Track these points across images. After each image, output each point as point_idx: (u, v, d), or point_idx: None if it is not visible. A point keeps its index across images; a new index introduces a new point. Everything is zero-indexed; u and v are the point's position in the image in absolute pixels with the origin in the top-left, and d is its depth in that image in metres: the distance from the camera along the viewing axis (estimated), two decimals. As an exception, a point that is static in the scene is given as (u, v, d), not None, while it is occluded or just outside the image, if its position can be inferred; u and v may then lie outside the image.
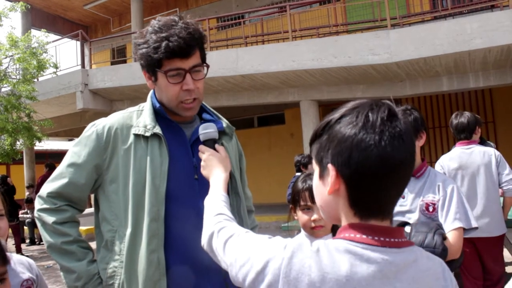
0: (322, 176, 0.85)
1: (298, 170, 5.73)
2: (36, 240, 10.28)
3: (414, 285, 0.79)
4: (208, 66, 1.50)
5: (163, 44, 1.38)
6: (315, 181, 0.89)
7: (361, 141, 0.77)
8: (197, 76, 1.47)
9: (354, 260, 0.76)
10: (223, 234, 0.97)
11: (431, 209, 2.08)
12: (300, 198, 1.63)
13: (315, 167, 0.89)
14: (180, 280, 1.44)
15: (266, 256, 0.80)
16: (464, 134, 3.40)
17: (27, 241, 10.35)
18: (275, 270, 0.77)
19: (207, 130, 1.42)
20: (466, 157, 3.36)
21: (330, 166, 0.81)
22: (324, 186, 0.85)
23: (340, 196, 0.82)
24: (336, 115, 0.83)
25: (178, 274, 1.44)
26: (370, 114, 0.79)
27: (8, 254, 1.56)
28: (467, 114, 3.43)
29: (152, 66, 1.43)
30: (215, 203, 1.14)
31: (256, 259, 0.81)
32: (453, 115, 3.48)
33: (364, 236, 0.79)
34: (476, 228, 2.09)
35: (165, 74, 1.42)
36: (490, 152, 3.35)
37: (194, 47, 1.43)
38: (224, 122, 1.63)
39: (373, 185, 0.78)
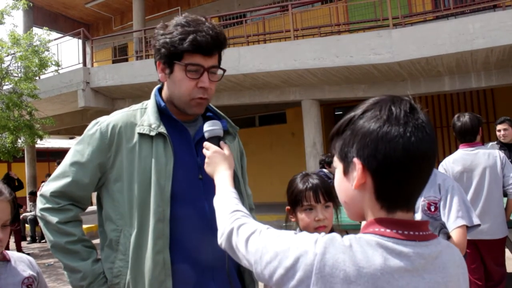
0: (346, 172, 0.86)
1: (322, 168, 6.26)
2: (37, 238, 10.29)
3: (440, 275, 0.81)
4: (224, 71, 1.49)
5: (191, 36, 1.37)
6: (338, 178, 0.89)
7: (387, 133, 0.79)
8: (213, 78, 1.46)
9: (386, 254, 0.77)
10: (243, 231, 0.95)
11: (433, 208, 2.07)
12: (303, 199, 1.60)
13: (337, 164, 0.89)
14: (185, 280, 1.43)
15: (297, 252, 0.80)
16: (469, 137, 3.35)
17: (28, 238, 10.36)
18: (307, 266, 0.77)
19: (212, 127, 1.40)
20: (471, 159, 3.32)
21: (356, 160, 0.82)
22: (348, 182, 0.86)
23: (366, 190, 0.83)
24: (358, 111, 0.85)
25: (183, 274, 1.43)
26: (393, 108, 0.81)
27: (8, 252, 1.57)
28: (468, 116, 3.33)
29: (172, 57, 1.42)
30: (228, 200, 1.11)
31: (285, 255, 0.81)
32: (455, 118, 3.40)
33: (394, 231, 0.80)
34: (479, 225, 2.08)
35: (184, 67, 1.41)
36: (495, 154, 3.32)
37: (217, 47, 1.43)
38: (228, 122, 1.62)
39: (399, 176, 0.79)
